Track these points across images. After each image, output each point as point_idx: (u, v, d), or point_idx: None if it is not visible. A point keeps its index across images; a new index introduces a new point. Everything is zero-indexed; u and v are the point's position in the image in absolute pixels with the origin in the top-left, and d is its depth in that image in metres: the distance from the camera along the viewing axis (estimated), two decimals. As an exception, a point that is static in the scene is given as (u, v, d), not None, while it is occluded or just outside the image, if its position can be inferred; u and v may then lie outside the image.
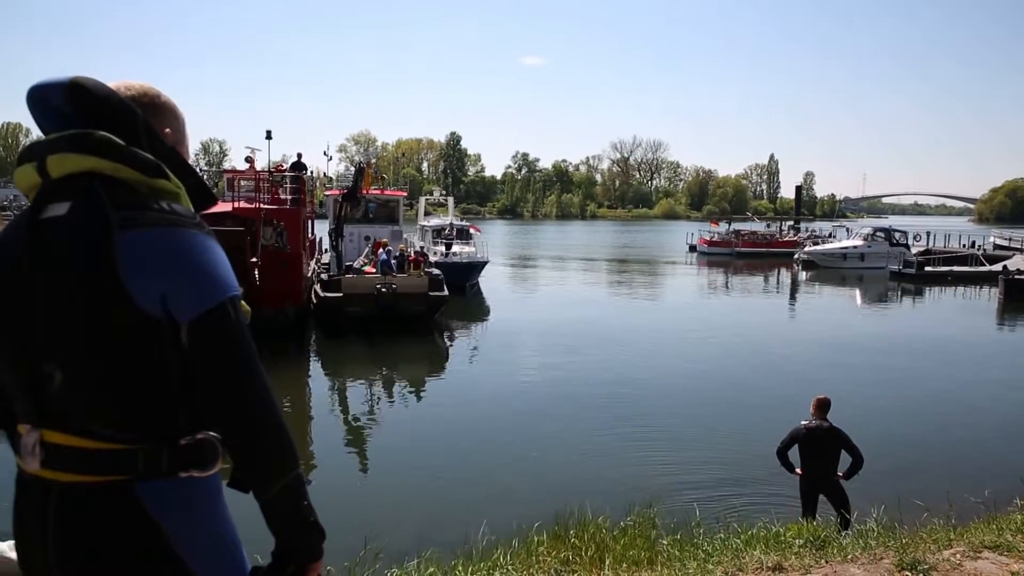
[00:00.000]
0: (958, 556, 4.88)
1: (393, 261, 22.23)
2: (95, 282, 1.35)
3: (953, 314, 30.52)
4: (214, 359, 1.40)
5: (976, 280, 38.03)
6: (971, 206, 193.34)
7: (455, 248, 31.08)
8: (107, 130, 1.44)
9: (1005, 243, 52.79)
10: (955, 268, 40.86)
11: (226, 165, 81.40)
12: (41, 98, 1.48)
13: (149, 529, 1.39)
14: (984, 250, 46.46)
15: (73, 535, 1.38)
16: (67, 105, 1.46)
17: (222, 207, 22.05)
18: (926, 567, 4.60)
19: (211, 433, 1.45)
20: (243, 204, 21.27)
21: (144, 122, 1.50)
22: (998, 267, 36.93)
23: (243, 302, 1.49)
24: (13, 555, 4.97)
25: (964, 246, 49.08)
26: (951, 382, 16.79)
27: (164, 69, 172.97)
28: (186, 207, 1.48)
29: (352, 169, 29.39)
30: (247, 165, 24.73)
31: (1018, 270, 34.16)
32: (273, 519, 1.46)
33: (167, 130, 1.59)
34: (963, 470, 10.63)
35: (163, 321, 1.38)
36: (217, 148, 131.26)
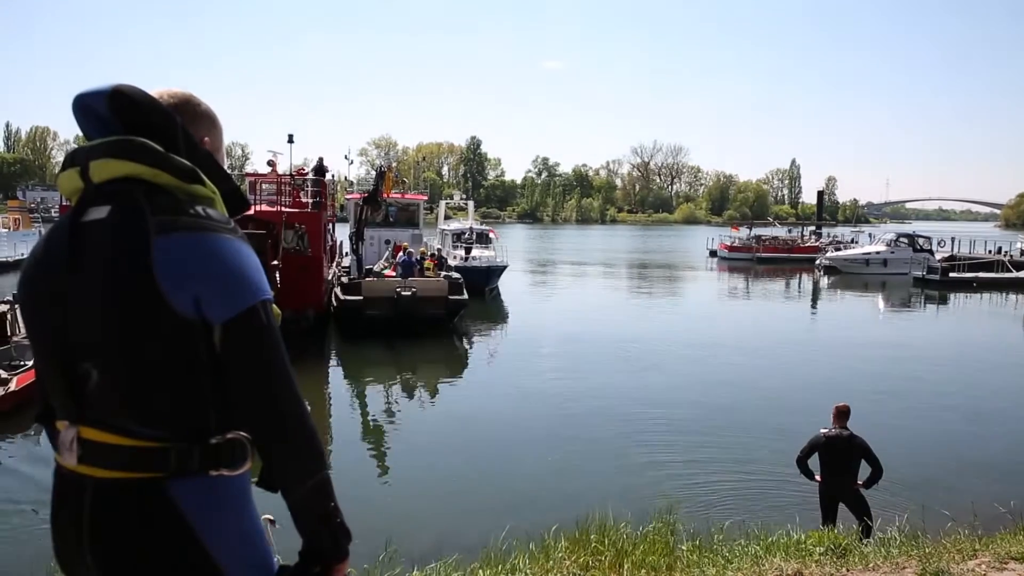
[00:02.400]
0: (983, 567, 4.82)
1: (416, 264, 22.38)
2: (132, 284, 1.39)
3: (978, 321, 30.10)
4: (245, 361, 1.44)
5: (1002, 286, 37.49)
6: (997, 211, 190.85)
7: (475, 252, 31.16)
8: (147, 137, 1.49)
9: (1032, 249, 52.02)
10: (980, 274, 40.24)
11: (248, 168, 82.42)
12: (85, 106, 1.53)
13: (180, 526, 1.42)
14: (1010, 256, 45.71)
15: (106, 530, 1.42)
16: (109, 112, 1.51)
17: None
18: (950, 577, 4.55)
19: (241, 433, 1.48)
20: (264, 207, 21.46)
21: (183, 129, 1.54)
22: (1024, 274, 36.40)
23: (274, 306, 1.52)
24: None
25: (990, 252, 48.33)
26: (976, 389, 16.55)
27: (186, 71, 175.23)
28: (221, 212, 1.53)
29: (373, 173, 29.58)
30: (269, 169, 24.96)
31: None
32: (300, 519, 1.49)
33: (205, 139, 1.64)
34: (989, 479, 10.47)
35: (197, 323, 1.42)
36: (239, 152, 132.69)
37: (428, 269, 22.75)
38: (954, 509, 7.52)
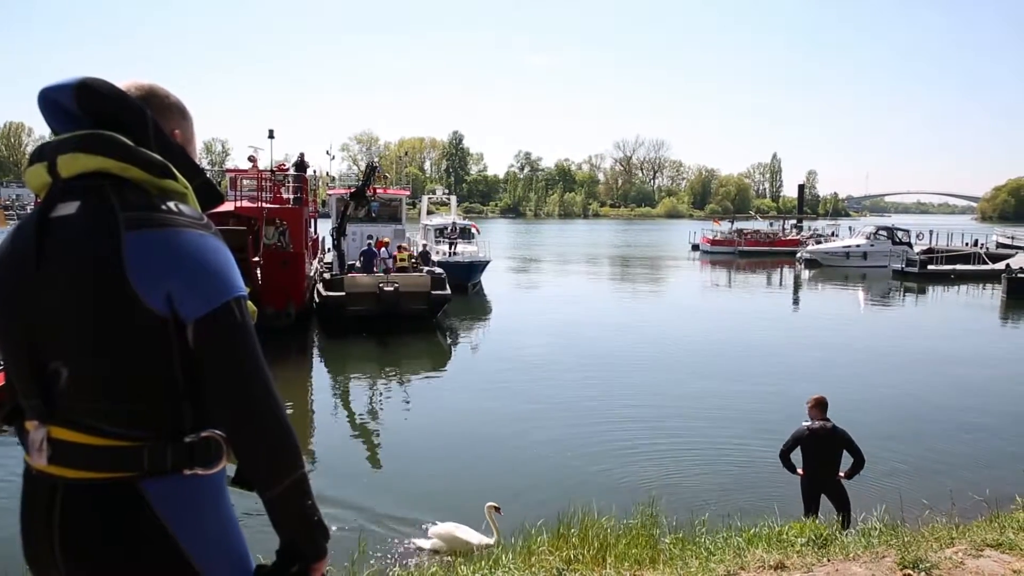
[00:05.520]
0: (960, 554, 4.88)
1: (377, 255, 22.62)
2: (102, 281, 1.37)
3: (956, 312, 30.49)
4: (219, 358, 1.42)
5: (979, 279, 37.97)
6: (974, 204, 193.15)
7: (457, 247, 31.13)
8: (116, 130, 1.46)
9: (1008, 241, 52.82)
10: (958, 267, 40.77)
11: (228, 164, 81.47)
12: (51, 100, 1.49)
13: (153, 526, 1.40)
14: (987, 248, 46.39)
15: (78, 531, 1.40)
16: (76, 106, 1.47)
17: (224, 206, 21.94)
18: (928, 565, 4.60)
19: (216, 431, 1.46)
20: (246, 203, 21.29)
21: (153, 122, 1.51)
22: (1001, 265, 36.86)
23: (249, 302, 1.50)
24: (470, 538, 5.20)
25: (967, 244, 48.99)
26: (954, 380, 16.77)
27: (166, 68, 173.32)
28: (194, 207, 1.50)
29: (356, 168, 29.43)
30: (250, 164, 24.78)
31: (1021, 268, 34.05)
32: (277, 518, 1.47)
33: (176, 131, 1.60)
34: (966, 468, 10.63)
35: (170, 320, 1.40)
36: (220, 147, 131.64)
37: (402, 260, 22.72)
38: (932, 498, 7.62)
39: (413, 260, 23.89)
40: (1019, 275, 32.15)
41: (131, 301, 1.37)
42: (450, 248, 30.80)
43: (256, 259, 19.97)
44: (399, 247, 23.70)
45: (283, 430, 1.45)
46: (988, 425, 13.09)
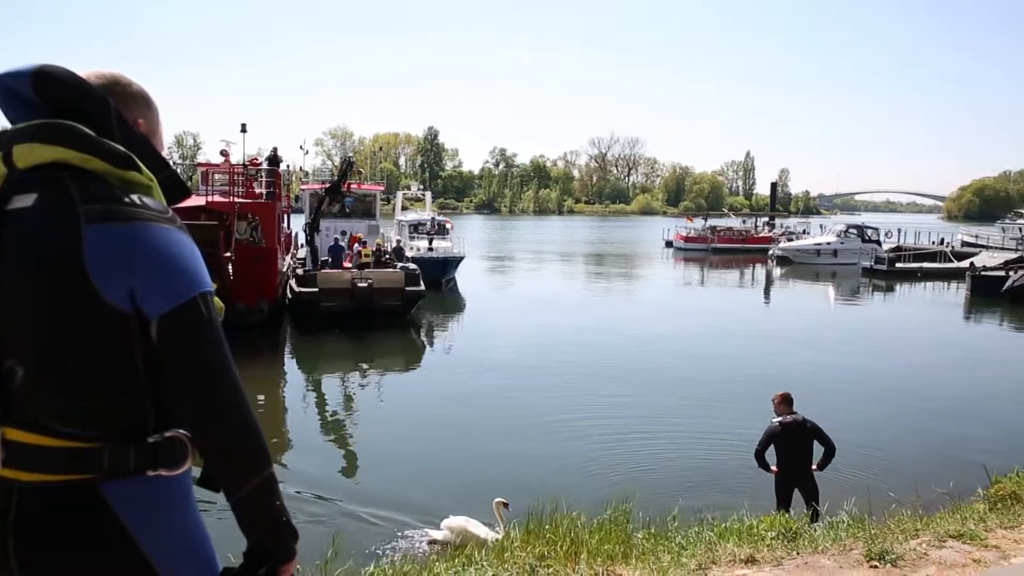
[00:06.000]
0: (924, 545, 4.99)
1: (344, 249, 22.61)
2: (61, 276, 1.33)
3: (922, 309, 31.07)
4: (184, 356, 1.38)
5: (944, 276, 38.69)
6: (941, 204, 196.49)
7: (432, 243, 31.07)
8: (76, 120, 1.41)
9: (972, 240, 53.90)
10: (925, 265, 41.52)
11: (200, 158, 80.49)
12: (7, 88, 1.44)
13: (114, 530, 1.36)
14: (952, 247, 47.26)
15: (34, 536, 1.35)
16: (34, 94, 1.42)
17: (195, 201, 21.81)
18: (893, 557, 4.69)
19: (181, 431, 1.42)
20: (217, 198, 21.08)
21: (116, 112, 1.47)
22: (965, 264, 37.58)
23: (216, 298, 1.47)
24: (480, 532, 5.11)
25: (933, 243, 49.88)
26: (920, 376, 17.09)
27: (136, 60, 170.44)
28: (159, 200, 1.45)
29: (331, 163, 29.23)
30: (222, 158, 24.49)
31: (984, 267, 34.80)
32: (244, 519, 1.43)
33: (140, 120, 1.56)
34: (931, 461, 10.85)
35: (132, 317, 1.36)
36: (191, 141, 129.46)
37: (366, 256, 22.64)
38: (899, 490, 7.77)
39: (386, 257, 23.83)
40: (982, 273, 32.82)
41: (91, 297, 1.33)
42: (429, 244, 30.77)
43: (227, 254, 19.76)
44: (363, 243, 23.58)
45: (250, 429, 1.41)
46: (952, 419, 13.36)
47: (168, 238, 1.40)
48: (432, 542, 7.47)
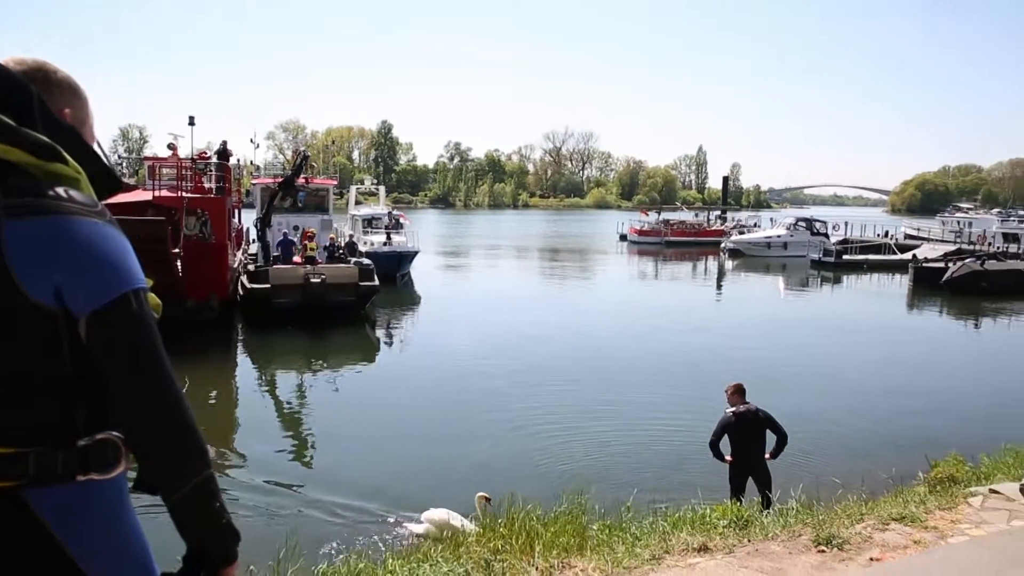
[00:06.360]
0: (868, 529, 5.14)
1: (293, 243, 22.41)
2: None
3: (868, 300, 31.96)
4: (115, 355, 1.33)
5: (889, 268, 39.85)
6: (885, 197, 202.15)
7: (383, 238, 30.83)
8: None
9: (915, 233, 55.73)
10: (870, 257, 42.76)
11: (147, 152, 78.52)
12: None
13: (41, 539, 1.30)
14: (896, 240, 48.71)
15: None
16: None
17: (143, 195, 21.29)
18: (840, 541, 4.82)
19: (113, 433, 1.37)
20: (165, 193, 20.60)
21: (39, 100, 1.40)
22: (908, 256, 38.77)
23: (153, 295, 1.42)
24: (461, 525, 4.92)
25: (878, 236, 51.30)
26: (866, 365, 17.56)
27: (80, 51, 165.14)
28: (88, 194, 1.39)
29: (283, 157, 28.75)
30: (169, 152, 23.90)
31: (926, 259, 35.95)
32: (183, 523, 1.39)
33: (66, 110, 1.49)
34: (876, 447, 11.17)
35: (59, 315, 1.31)
36: (137, 134, 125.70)
37: (312, 250, 22.39)
38: (845, 476, 7.99)
39: (339, 252, 23.60)
40: (924, 265, 33.90)
41: (14, 294, 1.27)
42: (387, 239, 30.55)
43: (176, 251, 19.33)
44: (310, 237, 23.27)
45: (187, 429, 1.37)
46: (895, 407, 13.77)
47: (96, 232, 1.34)
48: (414, 535, 7.39)
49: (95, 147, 1.51)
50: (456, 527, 6.94)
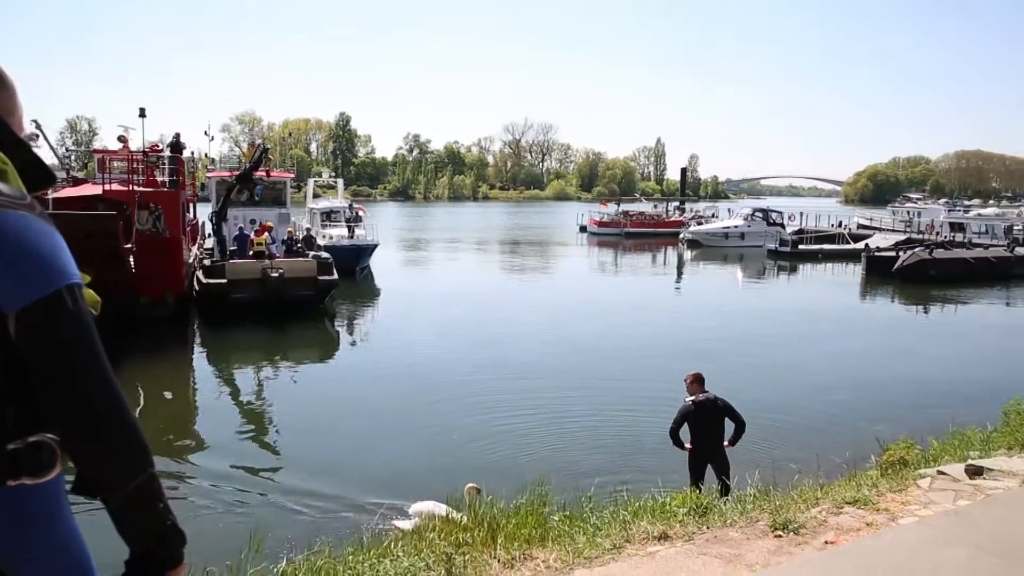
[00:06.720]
0: (823, 513, 5.25)
1: (248, 237, 22.24)
2: None
3: (823, 289, 32.67)
4: (49, 353, 1.28)
5: (843, 257, 40.77)
6: (839, 188, 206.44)
7: (343, 232, 30.51)
8: None
9: (867, 223, 57.08)
10: (825, 246, 43.71)
11: (96, 144, 76.38)
12: None
13: None
14: (849, 229, 49.86)
15: None
16: None
17: (92, 189, 20.77)
18: (796, 525, 4.91)
19: (48, 435, 1.32)
20: (116, 186, 20.09)
21: None
22: (861, 245, 39.69)
23: (91, 291, 1.37)
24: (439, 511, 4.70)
25: (832, 226, 52.45)
26: (821, 352, 17.96)
27: (26, 41, 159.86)
28: (16, 186, 1.34)
29: (238, 150, 28.22)
30: (120, 145, 23.30)
31: (878, 248, 36.86)
32: (124, 526, 1.34)
33: None
34: (831, 433, 11.40)
35: None
36: (86, 126, 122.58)
37: (259, 244, 22.10)
38: (801, 462, 8.13)
39: (297, 246, 23.34)
40: (876, 254, 34.75)
41: None
42: (351, 232, 30.24)
43: (128, 246, 18.87)
44: (257, 231, 22.95)
45: (126, 427, 1.32)
46: (850, 392, 14.10)
47: (26, 226, 1.29)
48: (398, 530, 7.33)
49: (23, 138, 1.45)
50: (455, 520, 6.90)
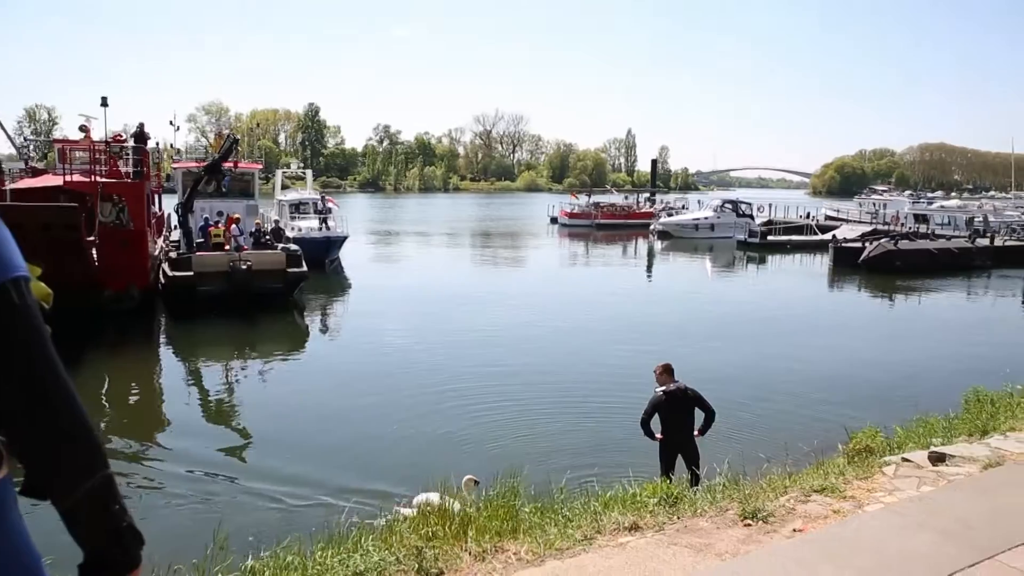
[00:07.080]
0: (792, 501, 5.31)
1: (240, 236, 21.96)
2: None
3: (791, 279, 33.11)
4: None
5: (811, 248, 41.34)
6: (807, 180, 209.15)
7: (312, 223, 30.18)
8: None
9: (834, 214, 57.92)
10: (793, 237, 44.29)
11: (56, 134, 74.60)
12: None
13: None
14: (817, 221, 50.53)
15: None
16: None
17: (53, 180, 20.27)
18: (765, 514, 4.96)
19: None
20: (77, 177, 19.66)
21: None
22: (828, 236, 40.26)
23: (41, 284, 1.31)
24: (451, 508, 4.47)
25: (801, 217, 53.11)
26: (790, 342, 18.19)
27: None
28: None
29: (205, 140, 27.74)
30: (81, 135, 22.75)
31: (844, 239, 37.42)
32: (78, 528, 1.29)
33: None
34: (799, 421, 11.57)
35: None
36: (45, 115, 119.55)
37: (216, 236, 21.83)
38: (770, 451, 8.23)
39: (265, 238, 23.07)
40: (843, 245, 35.28)
41: None
42: (323, 224, 29.92)
43: (91, 238, 18.48)
44: (215, 223, 22.64)
45: (79, 426, 1.27)
46: (817, 381, 14.30)
47: None
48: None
49: None
50: (446, 510, 6.85)
